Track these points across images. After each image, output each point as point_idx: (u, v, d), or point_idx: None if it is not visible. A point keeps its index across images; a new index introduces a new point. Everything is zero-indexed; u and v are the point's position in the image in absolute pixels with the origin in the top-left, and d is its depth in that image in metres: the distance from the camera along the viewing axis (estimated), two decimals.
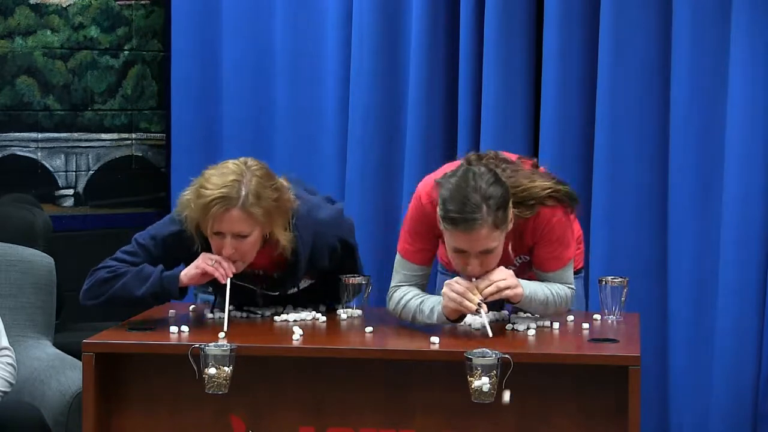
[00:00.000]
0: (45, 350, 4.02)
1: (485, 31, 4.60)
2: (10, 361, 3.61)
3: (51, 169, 5.23)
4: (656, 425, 4.45)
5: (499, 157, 3.49)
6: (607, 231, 4.47)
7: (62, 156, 5.25)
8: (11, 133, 5.13)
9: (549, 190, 3.43)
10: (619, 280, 3.58)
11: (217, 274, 3.47)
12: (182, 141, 5.28)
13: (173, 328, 3.46)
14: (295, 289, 3.69)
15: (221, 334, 3.37)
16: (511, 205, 3.35)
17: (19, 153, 5.15)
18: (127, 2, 5.37)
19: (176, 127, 5.29)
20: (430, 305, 3.46)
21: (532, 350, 3.28)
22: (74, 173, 5.28)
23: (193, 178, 3.55)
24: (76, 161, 5.29)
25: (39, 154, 5.19)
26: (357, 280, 3.65)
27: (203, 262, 3.48)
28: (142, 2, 5.41)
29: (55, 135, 5.23)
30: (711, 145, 4.34)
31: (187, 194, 3.52)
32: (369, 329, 3.48)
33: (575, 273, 3.70)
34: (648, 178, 4.46)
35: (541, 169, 3.56)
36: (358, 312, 3.64)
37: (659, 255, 4.44)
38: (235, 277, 3.50)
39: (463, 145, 4.69)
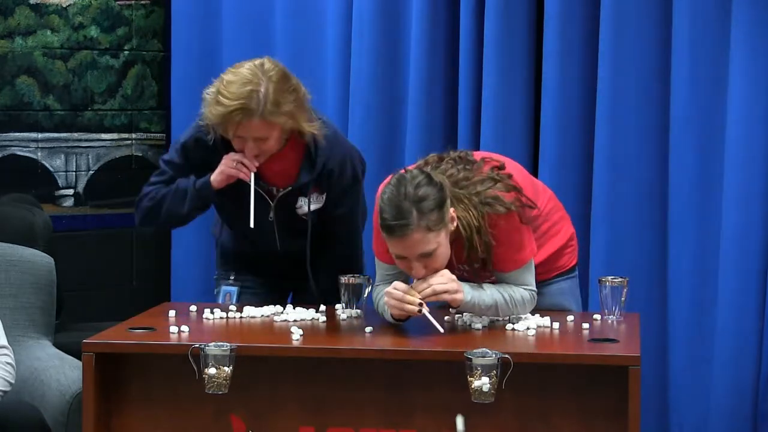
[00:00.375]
0: (45, 350, 4.02)
1: (485, 31, 4.60)
2: (9, 360, 3.61)
3: (51, 169, 5.23)
4: (656, 425, 4.45)
5: (462, 158, 3.48)
6: (607, 231, 4.47)
7: (62, 156, 5.25)
8: (11, 133, 5.13)
9: (491, 197, 3.40)
10: (619, 280, 3.58)
11: (241, 175, 3.65)
12: None
13: (173, 328, 3.46)
14: (305, 207, 3.75)
15: (251, 224, 3.59)
16: (448, 204, 3.32)
17: (19, 153, 5.15)
18: (127, 2, 5.37)
19: (176, 127, 5.29)
20: (383, 306, 3.50)
21: (532, 350, 3.29)
22: (74, 173, 5.28)
23: (213, 78, 3.71)
24: (76, 161, 5.29)
25: (39, 154, 5.19)
26: (357, 280, 3.65)
27: (226, 165, 3.66)
28: (142, 2, 5.41)
29: (55, 135, 5.23)
30: (711, 145, 4.34)
31: (209, 94, 3.68)
32: (369, 329, 3.48)
33: (568, 271, 3.71)
34: (648, 178, 4.46)
35: (504, 171, 3.49)
36: (358, 311, 3.64)
37: (659, 255, 4.44)
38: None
39: (463, 144, 4.69)
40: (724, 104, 4.30)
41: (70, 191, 5.28)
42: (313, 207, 3.76)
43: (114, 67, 5.35)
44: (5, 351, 3.62)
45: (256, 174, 3.66)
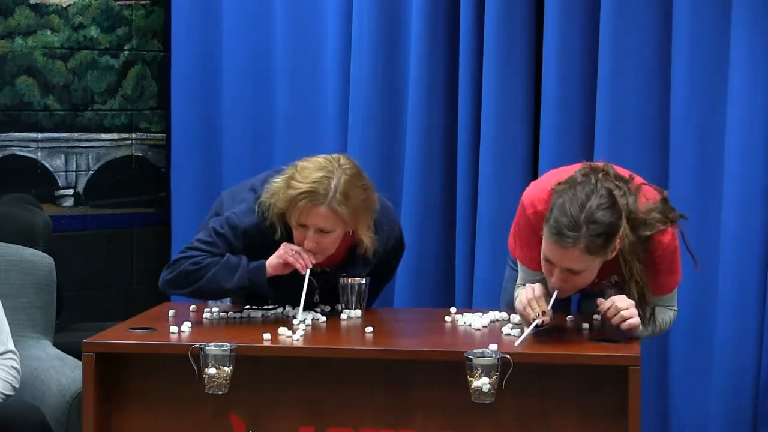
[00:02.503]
0: (45, 350, 4.02)
1: (485, 31, 4.60)
2: (14, 364, 3.62)
3: (51, 169, 5.23)
4: (656, 425, 4.45)
5: (614, 174, 3.46)
6: None
7: (62, 156, 5.25)
8: (11, 133, 5.13)
9: (660, 221, 3.42)
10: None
11: (298, 266, 3.56)
12: (182, 141, 5.28)
13: (173, 328, 3.46)
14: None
15: (295, 322, 3.50)
16: (619, 235, 3.31)
17: (19, 153, 5.15)
18: (127, 2, 5.37)
19: (176, 127, 5.29)
20: (516, 294, 3.49)
21: (532, 350, 3.28)
22: (74, 173, 5.28)
23: (283, 167, 3.65)
24: (76, 161, 5.29)
25: (39, 154, 5.19)
26: (358, 280, 3.65)
27: (285, 253, 3.58)
28: (142, 2, 5.41)
29: (55, 135, 5.23)
30: (711, 145, 4.34)
31: (278, 182, 3.60)
32: (369, 329, 3.48)
33: None
34: (648, 178, 4.45)
35: (648, 186, 3.54)
36: (358, 312, 3.64)
37: None
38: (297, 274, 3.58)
39: (463, 145, 4.69)
40: (724, 104, 4.30)
41: (70, 191, 5.28)
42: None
43: (114, 67, 5.35)
44: (11, 355, 3.62)
45: (311, 270, 3.59)
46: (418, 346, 3.38)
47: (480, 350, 3.15)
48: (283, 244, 3.60)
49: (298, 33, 5.04)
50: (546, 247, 3.33)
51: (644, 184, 3.57)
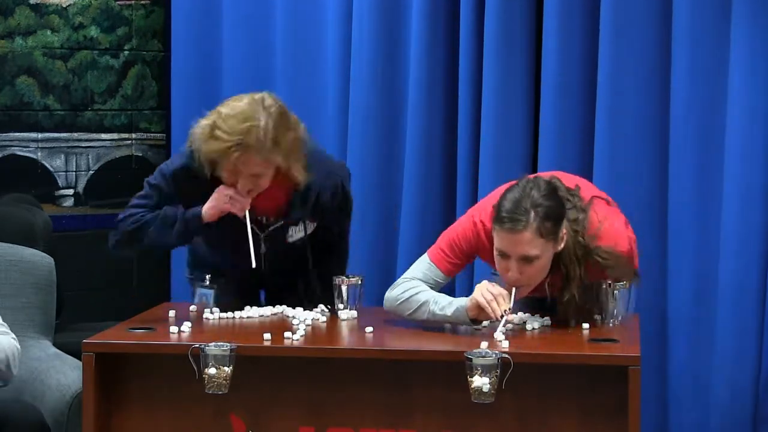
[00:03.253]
0: (45, 350, 4.01)
1: (485, 31, 4.60)
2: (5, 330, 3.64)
3: (51, 169, 5.23)
4: (656, 425, 4.45)
5: (563, 187, 3.55)
6: None
7: (62, 156, 5.25)
8: (11, 133, 5.13)
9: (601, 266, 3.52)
10: (623, 283, 3.58)
11: (234, 210, 3.56)
12: (182, 141, 5.22)
13: (173, 328, 3.46)
14: (301, 234, 3.73)
15: (253, 263, 3.53)
16: (564, 224, 3.43)
17: (19, 153, 5.15)
18: (127, 2, 5.36)
19: (176, 127, 5.29)
20: (448, 299, 3.51)
21: (532, 350, 3.29)
22: (74, 173, 5.28)
23: (207, 111, 3.61)
24: (76, 161, 5.29)
25: (39, 154, 5.19)
26: (352, 281, 3.65)
27: (219, 200, 3.57)
28: (142, 2, 5.40)
29: (55, 135, 5.23)
30: (711, 145, 4.34)
31: (201, 129, 3.57)
32: (369, 329, 3.48)
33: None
34: (648, 178, 4.46)
35: (599, 201, 3.63)
36: (354, 313, 3.64)
37: (659, 255, 4.43)
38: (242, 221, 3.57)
39: (463, 145, 4.69)
40: (724, 104, 4.30)
41: (70, 191, 5.28)
42: (309, 230, 3.76)
43: (114, 67, 5.34)
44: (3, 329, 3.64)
45: (249, 210, 3.59)
46: (418, 346, 3.38)
47: (480, 350, 3.15)
48: (217, 189, 3.58)
49: (298, 33, 5.04)
50: (499, 242, 3.41)
51: (595, 196, 3.63)
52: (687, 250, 4.38)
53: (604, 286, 3.56)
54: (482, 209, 3.63)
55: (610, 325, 3.54)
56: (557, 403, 3.28)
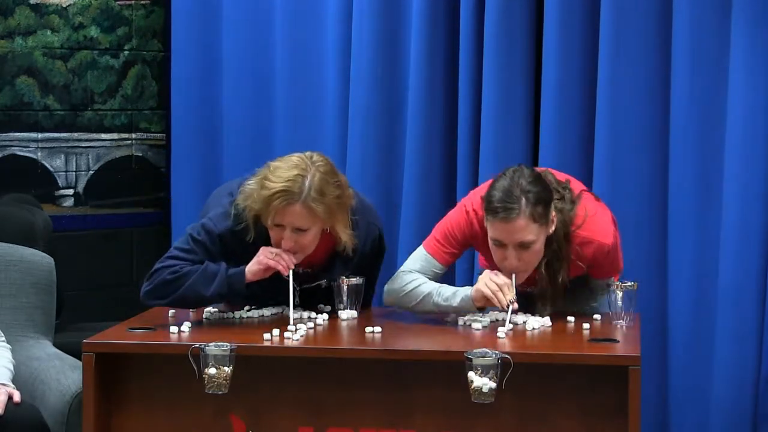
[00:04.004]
0: (45, 350, 4.01)
1: (485, 31, 4.60)
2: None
3: (51, 169, 5.23)
4: (656, 425, 4.45)
5: (553, 180, 3.62)
6: None
7: (62, 156, 5.25)
8: (11, 133, 5.13)
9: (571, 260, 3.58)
10: (630, 284, 3.58)
11: (279, 267, 3.54)
12: (182, 141, 5.28)
13: (173, 328, 3.46)
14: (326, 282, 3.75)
15: (290, 321, 3.49)
16: (552, 207, 3.49)
17: (19, 153, 5.15)
18: (127, 2, 5.36)
19: (176, 127, 5.29)
20: (452, 290, 3.56)
21: (532, 350, 3.29)
22: (74, 173, 5.28)
23: (257, 169, 3.62)
24: (76, 161, 5.28)
25: (39, 154, 5.19)
26: (353, 281, 3.65)
27: (264, 257, 3.55)
28: (142, 2, 5.40)
29: (55, 135, 5.23)
30: (711, 145, 4.34)
31: (251, 185, 3.58)
32: (369, 329, 3.48)
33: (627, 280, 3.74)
34: (648, 178, 4.46)
35: (588, 194, 3.71)
36: (354, 313, 3.64)
37: (659, 255, 4.44)
38: (278, 275, 3.56)
39: (463, 145, 4.69)
40: (724, 104, 4.30)
41: (70, 191, 5.28)
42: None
43: (114, 67, 5.34)
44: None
45: (293, 270, 3.57)
46: (418, 346, 3.38)
47: (480, 350, 3.15)
48: (262, 248, 3.56)
49: (298, 33, 5.04)
50: (494, 231, 3.46)
51: (585, 191, 3.72)
52: (687, 250, 4.38)
53: (609, 285, 3.58)
54: (473, 198, 3.67)
55: (617, 325, 3.54)
56: (557, 403, 3.29)
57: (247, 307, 3.72)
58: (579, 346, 3.34)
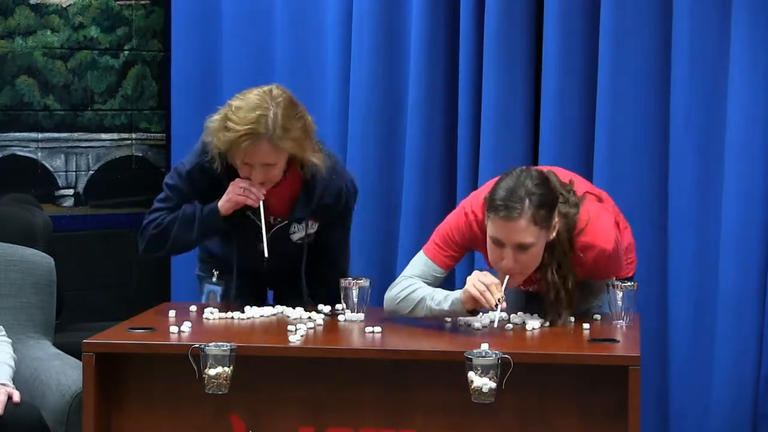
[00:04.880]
0: (45, 350, 4.01)
1: (485, 30, 4.60)
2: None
3: (51, 169, 5.23)
4: (656, 425, 4.45)
5: (557, 181, 3.61)
6: None
7: (62, 156, 5.25)
8: (11, 133, 5.13)
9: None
10: (630, 284, 3.58)
11: (249, 201, 3.66)
12: (182, 141, 5.26)
13: (173, 328, 3.46)
14: (302, 233, 3.78)
15: (265, 253, 3.62)
16: (556, 213, 3.46)
17: (19, 153, 5.15)
18: (127, 2, 5.36)
19: (176, 127, 5.29)
20: (444, 293, 3.54)
21: (532, 350, 3.29)
22: (74, 173, 5.28)
23: (206, 111, 3.75)
24: (76, 161, 5.29)
25: (39, 154, 5.19)
26: (360, 283, 3.64)
27: (234, 194, 3.68)
28: (142, 2, 5.40)
29: (55, 135, 5.23)
30: (711, 145, 4.34)
31: (214, 123, 3.68)
32: (369, 329, 3.48)
33: (627, 280, 3.72)
34: (648, 179, 4.46)
35: (591, 196, 3.68)
36: (361, 316, 3.63)
37: (659, 255, 4.44)
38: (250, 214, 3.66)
39: (463, 145, 4.69)
40: (724, 104, 4.30)
41: (70, 191, 5.28)
42: (311, 231, 3.82)
43: (114, 67, 5.35)
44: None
45: (263, 202, 3.68)
46: (418, 346, 3.38)
47: (480, 350, 3.15)
48: (231, 183, 3.68)
49: (298, 33, 5.04)
50: (494, 229, 3.44)
51: (588, 192, 3.68)
52: (687, 250, 4.38)
53: (609, 285, 3.57)
54: (473, 201, 3.66)
55: (618, 325, 3.54)
56: (557, 403, 3.29)
57: (247, 307, 3.73)
58: (579, 346, 3.34)
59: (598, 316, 3.62)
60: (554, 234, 3.48)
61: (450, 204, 4.75)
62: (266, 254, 3.65)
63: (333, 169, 3.79)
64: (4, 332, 3.76)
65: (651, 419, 4.38)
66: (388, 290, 3.65)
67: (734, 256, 4.26)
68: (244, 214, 3.74)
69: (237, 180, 3.69)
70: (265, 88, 3.69)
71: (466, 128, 4.68)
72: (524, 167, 3.54)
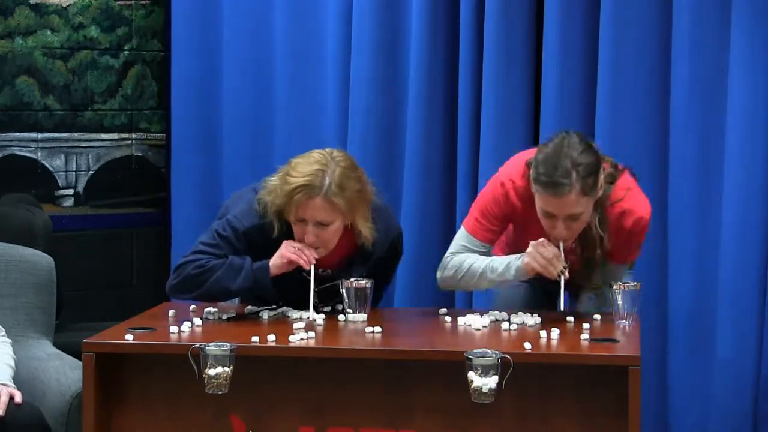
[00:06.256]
0: (45, 350, 4.01)
1: (485, 30, 4.60)
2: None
3: (51, 169, 5.23)
4: (656, 425, 4.45)
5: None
6: None
7: (62, 156, 5.25)
8: (11, 133, 5.13)
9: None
10: (632, 284, 3.58)
11: (301, 262, 3.59)
12: (182, 141, 5.28)
13: (173, 328, 3.46)
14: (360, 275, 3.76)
15: (310, 315, 3.55)
16: (601, 174, 3.51)
17: (19, 153, 5.15)
18: (127, 2, 5.36)
19: (176, 127, 5.29)
20: (502, 261, 3.60)
21: (532, 350, 3.28)
22: (74, 173, 5.28)
23: (279, 166, 3.68)
24: (76, 161, 5.29)
25: (39, 154, 5.19)
26: (361, 283, 3.64)
27: (286, 251, 3.60)
28: (142, 2, 5.41)
29: (55, 135, 5.23)
30: (711, 146, 4.34)
31: (273, 180, 3.64)
32: (370, 329, 3.48)
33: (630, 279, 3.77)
34: (648, 179, 4.45)
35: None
36: (363, 316, 3.63)
37: (659, 255, 4.43)
38: (297, 273, 3.60)
39: (463, 145, 4.69)
40: (724, 104, 4.30)
41: (70, 191, 5.28)
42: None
43: (114, 67, 5.35)
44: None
45: (314, 265, 3.61)
46: (418, 346, 3.38)
47: (480, 350, 3.15)
48: (285, 242, 3.62)
49: (298, 33, 5.03)
50: (542, 202, 3.49)
51: (626, 168, 3.75)
52: (687, 249, 4.38)
53: (611, 286, 3.58)
54: (508, 169, 3.70)
55: (620, 325, 3.54)
56: (557, 403, 3.29)
57: (248, 307, 3.73)
58: (579, 346, 3.34)
59: (598, 316, 3.62)
60: (600, 192, 3.54)
61: (450, 204, 4.75)
62: (311, 316, 3.58)
63: (386, 225, 3.76)
64: (3, 333, 3.76)
65: (651, 419, 4.38)
66: (439, 271, 3.72)
67: (734, 256, 4.26)
68: (292, 275, 3.65)
69: (289, 240, 3.63)
70: (328, 149, 3.68)
71: (466, 128, 4.68)
72: (565, 133, 3.56)
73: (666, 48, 4.40)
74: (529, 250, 3.54)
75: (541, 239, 3.55)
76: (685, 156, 4.36)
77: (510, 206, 3.65)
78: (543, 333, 3.42)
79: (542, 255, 3.51)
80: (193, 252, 3.66)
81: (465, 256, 3.66)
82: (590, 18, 4.51)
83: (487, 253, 3.69)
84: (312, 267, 3.59)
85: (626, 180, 3.68)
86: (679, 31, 4.35)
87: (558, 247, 3.52)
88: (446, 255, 3.73)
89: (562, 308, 3.51)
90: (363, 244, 3.69)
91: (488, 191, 3.72)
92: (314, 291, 3.62)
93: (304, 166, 3.59)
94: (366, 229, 3.65)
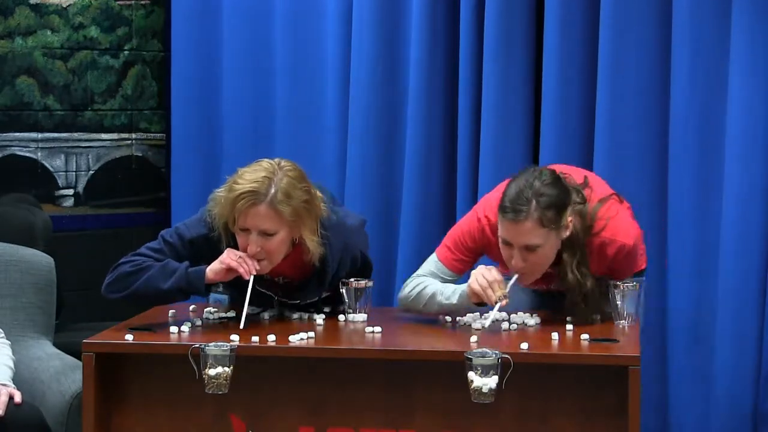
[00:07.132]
0: (45, 350, 4.01)
1: (485, 30, 4.60)
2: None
3: (51, 169, 5.23)
4: (656, 425, 4.45)
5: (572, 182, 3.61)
6: None
7: (62, 156, 5.25)
8: (11, 133, 5.13)
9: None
10: (632, 284, 3.57)
11: (240, 270, 3.46)
12: (182, 141, 5.28)
13: (173, 328, 3.46)
14: (315, 298, 3.69)
15: (235, 334, 3.36)
16: (568, 211, 3.47)
17: (19, 153, 5.15)
18: (127, 2, 5.36)
19: (176, 127, 5.29)
20: (452, 288, 3.56)
21: (532, 350, 3.28)
22: (74, 173, 5.28)
23: (227, 176, 3.59)
24: (76, 161, 5.29)
25: (39, 154, 5.19)
26: (362, 284, 3.64)
27: (228, 258, 3.47)
28: (142, 2, 5.41)
29: (55, 135, 5.23)
30: (711, 146, 4.34)
31: (220, 191, 3.54)
32: (370, 329, 3.48)
33: (639, 274, 3.72)
34: (648, 178, 4.46)
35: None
36: (363, 317, 3.63)
37: (659, 255, 4.43)
38: (257, 281, 3.50)
39: (464, 145, 4.69)
40: (724, 104, 4.30)
41: (70, 191, 5.28)
42: (321, 297, 3.69)
43: (114, 67, 5.35)
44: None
45: (255, 277, 3.48)
46: (418, 346, 3.38)
47: (480, 350, 3.15)
48: (228, 249, 3.51)
49: (298, 33, 5.04)
50: (503, 230, 3.46)
51: (613, 194, 3.70)
52: (687, 249, 4.38)
53: (611, 286, 3.57)
54: (486, 204, 3.67)
55: (620, 325, 3.53)
56: (557, 403, 3.29)
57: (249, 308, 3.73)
58: (579, 346, 3.34)
59: (597, 316, 3.62)
60: (568, 233, 3.49)
61: (450, 204, 4.75)
62: (241, 326, 3.44)
63: (344, 243, 3.62)
64: (2, 334, 3.76)
65: (651, 419, 4.38)
66: (401, 290, 3.68)
67: (734, 256, 4.26)
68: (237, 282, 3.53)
69: (232, 249, 3.51)
70: (277, 159, 3.56)
71: (466, 128, 4.68)
72: (537, 167, 3.55)
73: (666, 48, 4.40)
74: (474, 271, 3.49)
75: (490, 266, 3.52)
76: (686, 156, 4.36)
77: (485, 240, 3.62)
78: (543, 333, 3.43)
79: (483, 277, 3.44)
80: (135, 253, 3.58)
81: (426, 279, 3.61)
82: (590, 18, 4.51)
83: (454, 283, 3.64)
84: (251, 278, 3.46)
85: (609, 209, 3.61)
86: (679, 31, 4.35)
87: (509, 276, 3.46)
88: (413, 274, 3.68)
89: (485, 326, 3.44)
90: (311, 260, 3.55)
91: (465, 223, 3.69)
92: (265, 299, 3.57)
93: (250, 174, 3.48)
94: (312, 244, 3.50)
